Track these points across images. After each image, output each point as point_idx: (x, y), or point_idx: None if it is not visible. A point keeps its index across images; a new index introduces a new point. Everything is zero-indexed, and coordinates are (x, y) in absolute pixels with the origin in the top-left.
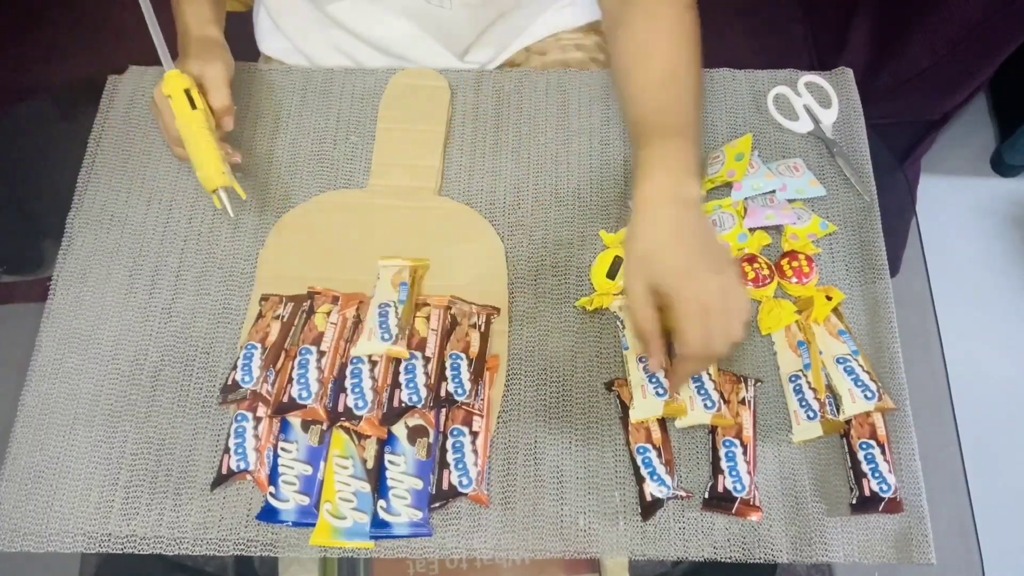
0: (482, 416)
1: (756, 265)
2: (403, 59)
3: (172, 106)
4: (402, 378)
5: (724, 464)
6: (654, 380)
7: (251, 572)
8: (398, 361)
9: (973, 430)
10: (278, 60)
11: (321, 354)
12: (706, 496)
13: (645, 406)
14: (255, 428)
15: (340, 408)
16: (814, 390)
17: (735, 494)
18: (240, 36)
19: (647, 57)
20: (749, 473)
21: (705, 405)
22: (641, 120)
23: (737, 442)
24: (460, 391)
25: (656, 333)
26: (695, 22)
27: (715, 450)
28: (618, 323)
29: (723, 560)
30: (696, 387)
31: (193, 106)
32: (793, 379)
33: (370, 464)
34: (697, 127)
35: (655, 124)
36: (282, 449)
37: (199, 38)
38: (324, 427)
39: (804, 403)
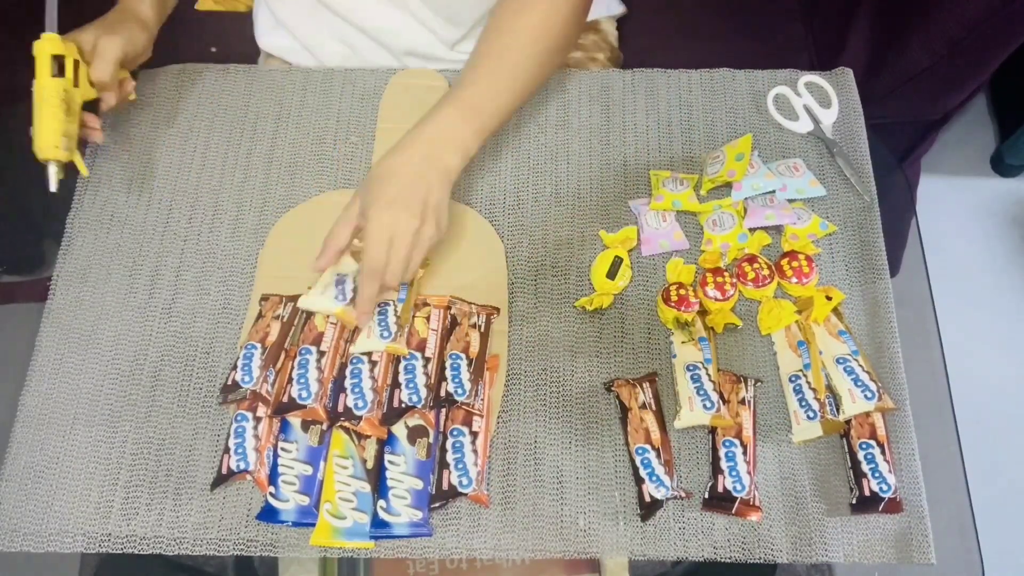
0: (482, 416)
1: (756, 265)
2: (396, 46)
3: (38, 69)
4: (402, 378)
5: (724, 464)
6: (702, 393)
7: (251, 572)
8: (398, 361)
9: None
10: (278, 57)
11: (321, 354)
12: (706, 496)
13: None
14: (255, 428)
15: (340, 408)
16: (814, 390)
17: (735, 494)
18: (240, 36)
19: (508, 23)
20: (749, 473)
21: (704, 406)
22: (460, 79)
23: (737, 442)
24: (460, 391)
25: (338, 248)
26: (570, 12)
27: (715, 450)
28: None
29: (723, 560)
30: (695, 388)
31: (61, 74)
32: (793, 379)
33: (370, 464)
34: (494, 115)
35: (461, 91)
36: (282, 449)
37: (122, 11)
38: (324, 427)
39: (804, 403)
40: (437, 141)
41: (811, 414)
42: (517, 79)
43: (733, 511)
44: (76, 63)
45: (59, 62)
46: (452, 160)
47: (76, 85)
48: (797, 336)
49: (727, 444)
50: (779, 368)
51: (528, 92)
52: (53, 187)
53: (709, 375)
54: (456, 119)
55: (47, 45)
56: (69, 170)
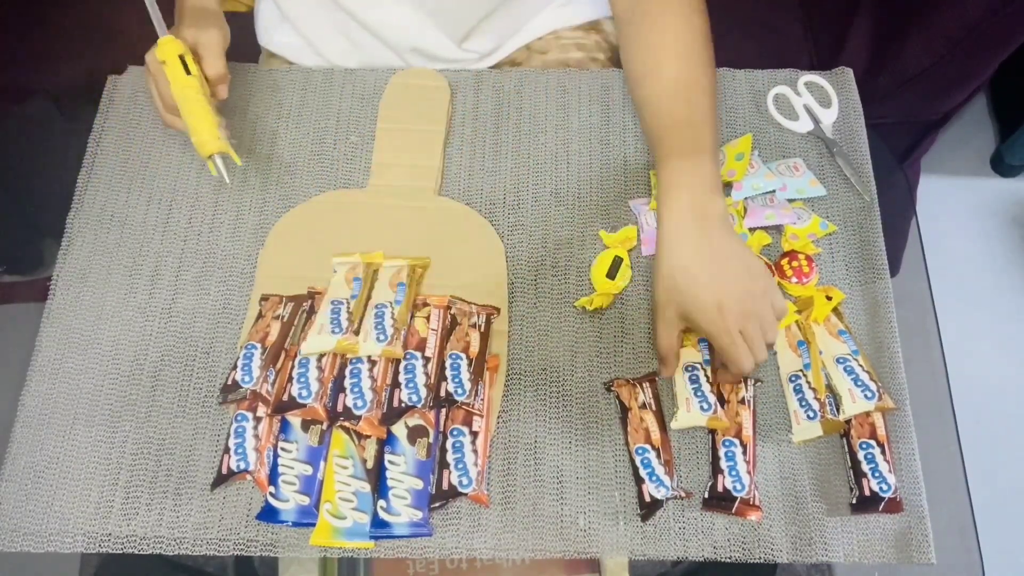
0: (482, 416)
1: None
2: (401, 43)
3: (167, 72)
4: (402, 378)
5: (724, 464)
6: (699, 394)
7: (251, 572)
8: (398, 361)
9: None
10: (280, 56)
11: (322, 354)
12: (706, 496)
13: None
14: (255, 428)
15: (339, 408)
16: (814, 390)
17: (735, 494)
18: (240, 36)
19: (657, 68)
20: (749, 473)
21: (701, 407)
22: (658, 136)
23: (737, 442)
24: (460, 391)
25: (676, 354)
26: (705, 26)
27: (715, 450)
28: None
29: (723, 560)
30: (693, 389)
31: (187, 72)
32: (793, 379)
33: (370, 464)
34: (714, 139)
35: (672, 141)
36: (282, 449)
37: (194, 7)
38: (324, 427)
39: (804, 403)
40: (702, 207)
41: (811, 414)
42: (701, 88)
43: (733, 511)
44: (194, 61)
45: (183, 61)
46: (718, 207)
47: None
48: (797, 336)
49: (727, 444)
50: (779, 368)
51: (713, 87)
52: (227, 179)
53: (707, 376)
54: (689, 168)
55: (172, 47)
56: (69, 170)
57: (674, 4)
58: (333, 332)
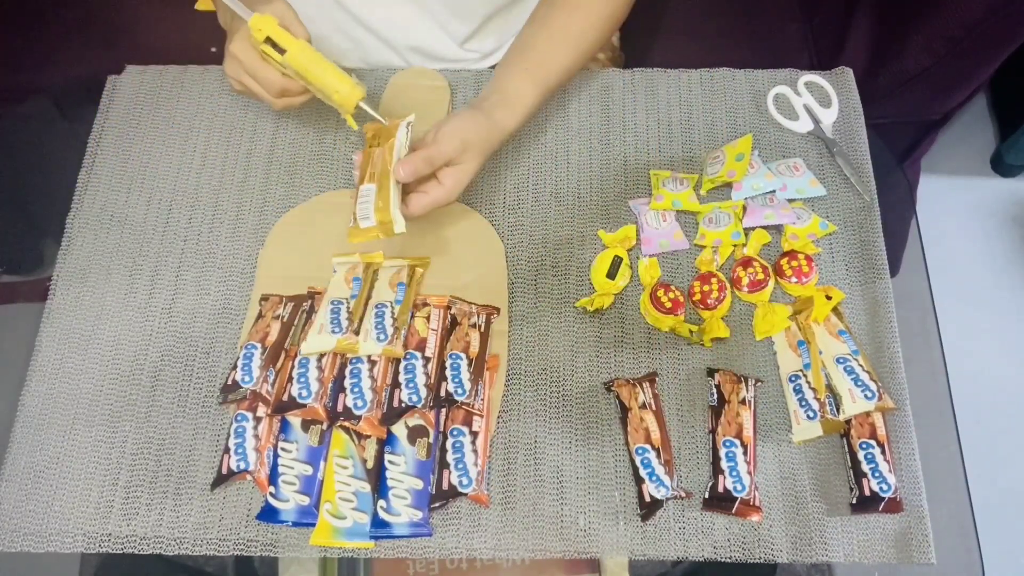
0: (482, 416)
1: (751, 270)
2: (402, 43)
3: (281, 43)
4: (402, 378)
5: (724, 464)
6: (804, 404)
7: (251, 572)
8: (398, 361)
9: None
10: None
11: (322, 354)
12: (706, 496)
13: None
14: (255, 428)
15: (339, 408)
16: (814, 390)
17: (735, 494)
18: None
19: (556, 16)
20: (749, 473)
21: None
22: (508, 59)
23: (737, 442)
24: (460, 391)
25: (433, 158)
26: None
27: (715, 450)
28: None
29: (723, 560)
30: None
31: (277, 49)
32: (793, 379)
33: (370, 464)
34: (526, 106)
35: (520, 59)
36: (282, 449)
37: None
38: (324, 427)
39: (804, 403)
40: (499, 105)
41: (811, 414)
42: (559, 60)
43: (733, 511)
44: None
45: (271, 41)
46: (510, 120)
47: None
48: (797, 336)
49: (727, 444)
50: (779, 368)
51: (567, 71)
52: (383, 119)
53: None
54: (523, 102)
55: (267, 22)
56: (69, 170)
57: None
58: (333, 332)
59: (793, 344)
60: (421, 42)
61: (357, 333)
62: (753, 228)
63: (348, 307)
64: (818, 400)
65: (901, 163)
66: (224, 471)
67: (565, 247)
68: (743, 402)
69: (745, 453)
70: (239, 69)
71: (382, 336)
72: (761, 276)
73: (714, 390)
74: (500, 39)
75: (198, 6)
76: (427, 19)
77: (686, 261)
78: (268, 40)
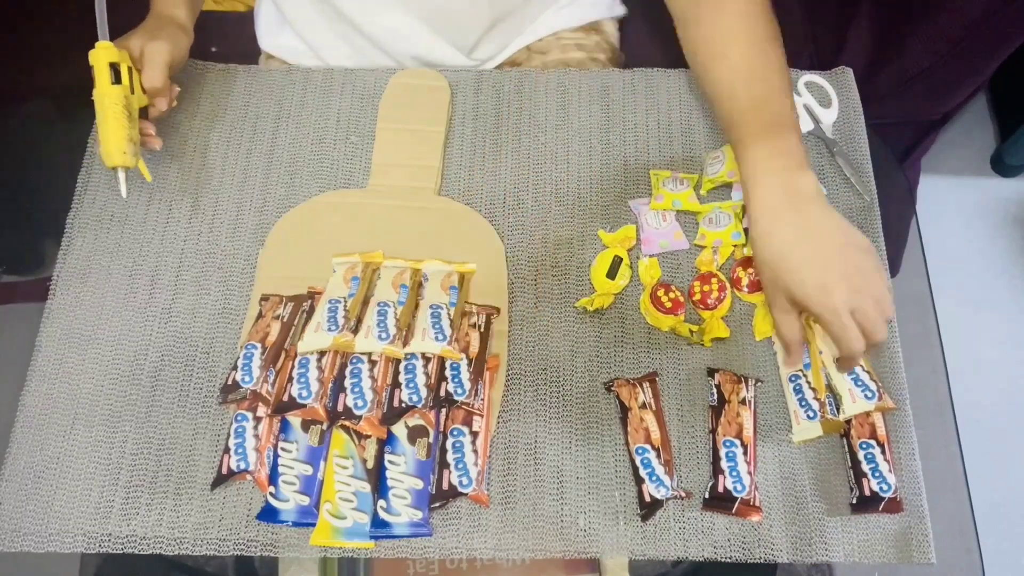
0: (482, 416)
1: (750, 271)
2: (404, 52)
3: (98, 79)
4: (402, 378)
5: (724, 464)
6: (804, 404)
7: (251, 572)
8: (398, 361)
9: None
10: (279, 58)
11: (321, 353)
12: (706, 496)
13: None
14: (255, 428)
15: (339, 408)
16: (814, 390)
17: (735, 494)
18: (240, 36)
19: (724, 52)
20: (749, 473)
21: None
22: (734, 120)
23: (737, 442)
24: (460, 391)
25: (800, 340)
26: (766, 3)
27: (715, 450)
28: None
29: (723, 560)
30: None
31: (118, 81)
32: (793, 379)
33: (370, 464)
34: (794, 113)
35: (751, 123)
36: (282, 449)
37: (158, 15)
38: (324, 427)
39: (804, 403)
40: (791, 185)
41: (811, 414)
42: (771, 68)
43: (733, 511)
44: (130, 70)
45: (115, 70)
46: (809, 183)
47: (132, 92)
48: None
49: (727, 444)
50: (779, 368)
51: (783, 61)
52: (124, 193)
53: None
54: (774, 149)
55: (104, 53)
56: (69, 170)
57: None
58: (329, 330)
59: None
60: (422, 52)
61: (355, 332)
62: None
63: (345, 306)
64: (818, 400)
65: (901, 163)
66: (224, 471)
67: (565, 247)
68: (743, 402)
69: (745, 453)
70: None
71: (384, 335)
72: None
73: (714, 390)
74: (502, 44)
75: None
76: (429, 30)
77: (686, 261)
78: (114, 67)
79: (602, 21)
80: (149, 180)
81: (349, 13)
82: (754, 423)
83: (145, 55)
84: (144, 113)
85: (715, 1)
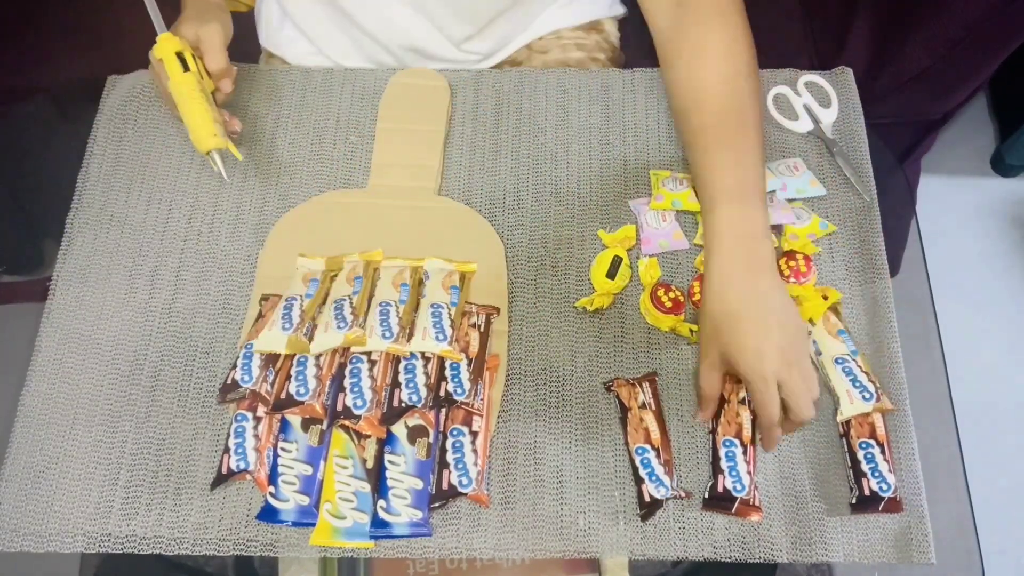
0: (482, 416)
1: None
2: (399, 44)
3: (165, 69)
4: (402, 377)
5: (724, 464)
6: (858, 384)
7: (251, 572)
8: (398, 361)
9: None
10: (279, 56)
11: (319, 353)
12: (706, 496)
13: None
14: (255, 428)
15: (339, 407)
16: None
17: (735, 494)
18: (240, 36)
19: (701, 101)
20: (749, 473)
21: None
22: (705, 178)
23: (737, 442)
24: (460, 391)
25: (715, 398)
26: (749, 51)
27: (715, 450)
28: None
29: (723, 560)
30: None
31: (186, 68)
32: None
33: (370, 464)
34: (762, 180)
35: (719, 184)
36: (282, 449)
37: (196, 1)
38: (324, 427)
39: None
40: (750, 253)
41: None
42: (746, 124)
43: (733, 511)
44: (193, 56)
45: (180, 59)
46: (766, 253)
47: (201, 77)
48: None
49: (727, 444)
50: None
51: (759, 120)
52: (224, 175)
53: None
54: (739, 215)
55: (168, 44)
56: (69, 170)
57: (716, 22)
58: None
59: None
60: (416, 43)
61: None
62: None
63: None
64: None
65: (901, 163)
66: (224, 471)
67: (565, 247)
68: (742, 402)
69: (745, 453)
70: (153, 69)
71: (387, 334)
72: None
73: None
74: (501, 41)
75: None
76: (424, 20)
77: (686, 261)
78: (179, 56)
79: (602, 20)
80: (240, 159)
81: (344, 6)
82: (753, 423)
83: (202, 40)
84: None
85: (697, 36)
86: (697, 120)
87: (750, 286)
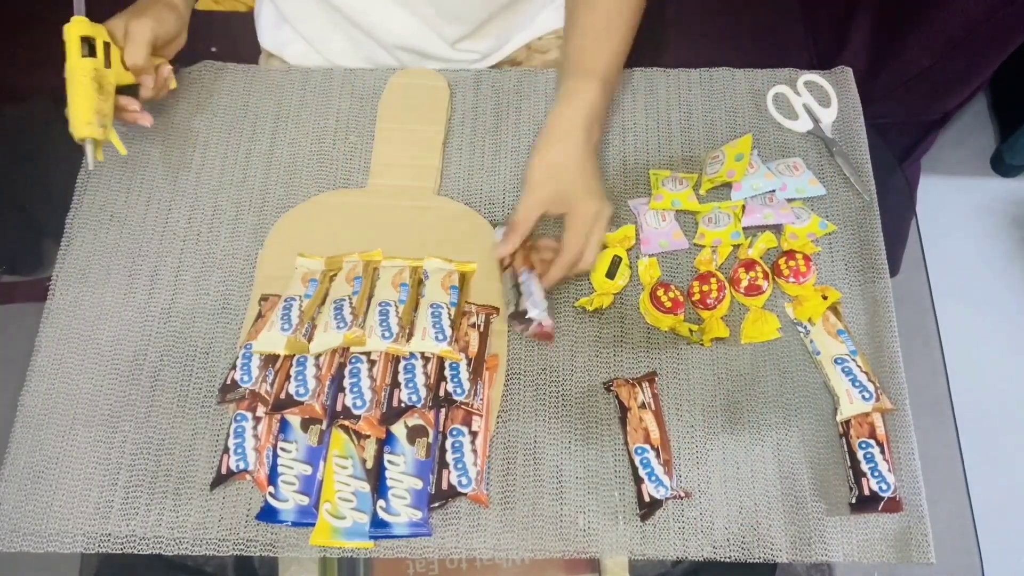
0: (481, 416)
1: (752, 274)
2: (396, 44)
3: (69, 52)
4: (401, 378)
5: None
6: (858, 384)
7: (251, 572)
8: (397, 361)
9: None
10: (278, 55)
11: (319, 353)
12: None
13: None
14: (254, 428)
15: (339, 407)
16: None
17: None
18: (240, 36)
19: (589, 5)
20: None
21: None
22: (568, 58)
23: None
24: (459, 391)
25: (525, 233)
26: None
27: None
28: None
29: (723, 560)
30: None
31: (93, 55)
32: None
33: (369, 464)
34: (612, 74)
35: (577, 64)
36: (281, 449)
37: None
38: (323, 427)
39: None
40: (586, 122)
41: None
42: (614, 26)
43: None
44: (107, 45)
45: (89, 44)
46: (598, 134)
47: (108, 66)
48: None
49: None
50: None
51: (631, 32)
52: (91, 165)
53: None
54: (585, 89)
55: (75, 27)
56: (69, 170)
57: None
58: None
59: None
60: (412, 42)
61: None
62: (754, 228)
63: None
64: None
65: (901, 163)
66: (223, 471)
67: None
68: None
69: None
70: None
71: (387, 334)
72: (761, 282)
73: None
74: (499, 40)
75: (198, 6)
76: (416, 21)
77: (685, 261)
78: (88, 41)
79: None
80: (123, 153)
81: (340, 6)
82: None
83: (129, 32)
84: (136, 93)
85: None
86: (580, 20)
87: (584, 143)
